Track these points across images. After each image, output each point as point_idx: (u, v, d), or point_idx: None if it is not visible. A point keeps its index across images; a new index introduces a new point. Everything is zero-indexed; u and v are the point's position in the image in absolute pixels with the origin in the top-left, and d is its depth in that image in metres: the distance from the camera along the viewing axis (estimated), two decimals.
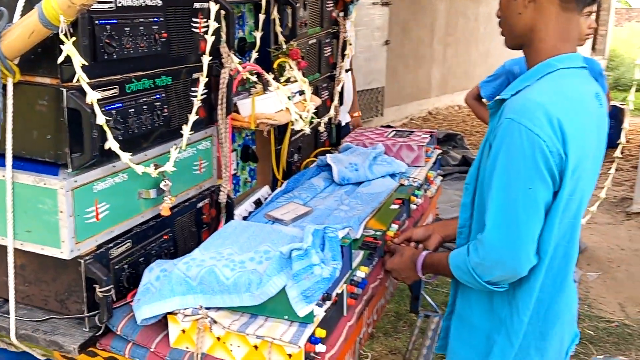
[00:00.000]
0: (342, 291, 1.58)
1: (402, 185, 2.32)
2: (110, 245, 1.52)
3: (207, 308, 1.44)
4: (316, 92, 2.66)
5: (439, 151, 2.70)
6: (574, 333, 1.79)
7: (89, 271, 1.45)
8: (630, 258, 4.49)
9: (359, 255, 1.73)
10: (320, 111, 2.72)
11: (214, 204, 1.92)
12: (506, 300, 1.56)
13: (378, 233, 1.89)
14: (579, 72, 1.52)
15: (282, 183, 2.31)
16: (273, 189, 2.32)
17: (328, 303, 1.47)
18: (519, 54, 1.69)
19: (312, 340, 1.39)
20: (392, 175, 2.36)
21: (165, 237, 1.71)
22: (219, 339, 1.42)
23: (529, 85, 1.49)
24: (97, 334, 1.50)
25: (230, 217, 1.96)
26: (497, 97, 1.56)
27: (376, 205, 2.09)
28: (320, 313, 1.42)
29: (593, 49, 14.87)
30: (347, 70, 3.87)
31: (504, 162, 1.44)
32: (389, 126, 7.69)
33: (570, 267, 1.59)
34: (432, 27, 9.43)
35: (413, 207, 2.27)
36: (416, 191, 2.31)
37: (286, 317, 1.40)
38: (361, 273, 1.68)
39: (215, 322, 1.40)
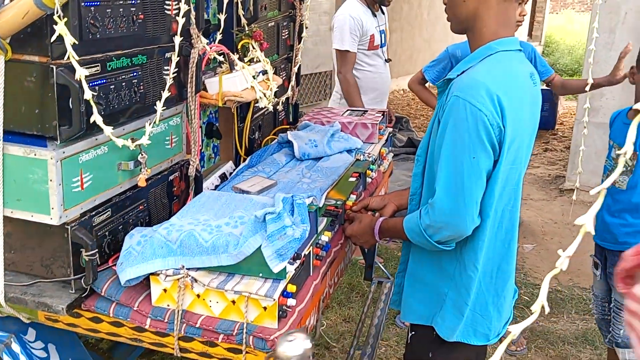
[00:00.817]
0: (310, 252, 1.74)
1: (358, 160, 2.49)
2: (93, 213, 1.63)
3: (188, 268, 1.57)
4: (275, 73, 2.79)
5: (390, 129, 2.89)
6: (514, 289, 2.01)
7: (75, 237, 1.55)
8: (562, 231, 4.83)
9: (322, 222, 1.89)
10: (278, 91, 2.86)
11: (183, 177, 2.05)
12: (454, 257, 1.76)
13: (338, 202, 2.06)
14: (515, 55, 1.72)
15: (245, 159, 2.44)
16: (236, 165, 2.45)
17: (298, 262, 1.63)
18: (462, 38, 1.88)
19: (285, 294, 1.55)
20: (349, 151, 2.53)
21: (141, 207, 1.83)
22: (198, 296, 1.56)
23: (472, 66, 1.68)
24: (83, 296, 1.61)
25: (199, 190, 2.08)
26: (445, 77, 1.75)
27: (335, 178, 2.25)
28: (291, 270, 1.58)
29: (530, 35, 15.45)
30: (386, 61, 4.01)
31: (451, 134, 1.63)
32: None
33: (515, 229, 1.80)
34: None
35: (368, 180, 2.45)
36: (371, 165, 2.48)
37: (261, 274, 1.55)
38: (325, 237, 1.85)
39: (196, 280, 1.54)
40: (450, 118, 1.64)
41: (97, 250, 1.57)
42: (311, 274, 1.77)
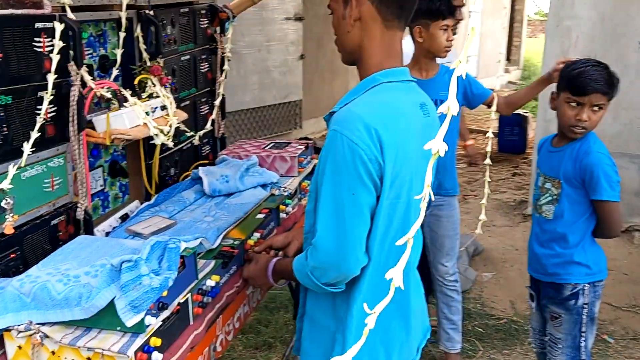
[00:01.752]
0: (187, 300, 1.63)
1: (272, 195, 2.39)
2: None
3: (42, 323, 1.45)
4: (194, 106, 2.71)
5: (315, 161, 2.79)
6: (425, 327, 1.89)
7: None
8: (523, 257, 4.69)
9: (209, 265, 1.78)
10: (199, 125, 2.77)
11: (72, 220, 1.93)
12: (344, 299, 1.65)
13: (236, 242, 1.95)
14: (402, 85, 1.63)
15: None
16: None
17: (166, 312, 1.52)
18: None
19: (146, 349, 1.43)
20: (264, 186, 2.43)
21: (12, 255, 1.71)
22: (53, 353, 1.44)
23: (355, 98, 1.60)
24: None
25: (89, 233, 1.97)
26: (331, 110, 1.66)
27: (241, 215, 2.14)
28: (154, 322, 1.46)
29: (508, 59, 15.53)
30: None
31: (330, 170, 1.53)
32: (306, 138, 7.85)
33: (407, 266, 1.69)
34: None
35: (283, 215, 2.34)
36: (287, 200, 2.38)
37: (118, 328, 1.43)
38: (211, 282, 1.73)
39: (47, 336, 1.42)
40: (329, 153, 1.54)
41: None
42: (191, 323, 1.65)
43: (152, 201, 2.26)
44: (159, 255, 1.55)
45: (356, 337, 1.64)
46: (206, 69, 2.77)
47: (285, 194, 2.40)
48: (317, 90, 9.03)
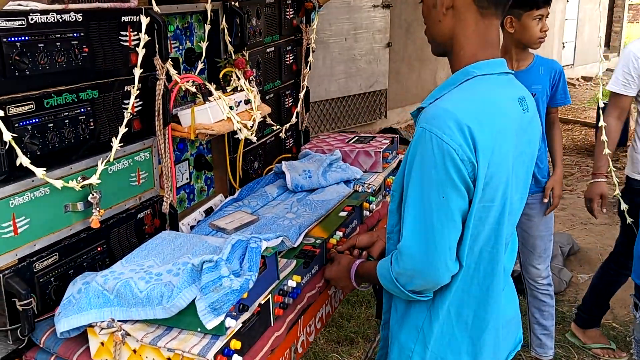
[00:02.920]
0: (268, 301, 1.58)
1: (356, 191, 2.31)
2: (34, 258, 1.53)
3: (124, 321, 1.45)
4: (278, 99, 2.67)
5: (401, 156, 2.68)
6: (517, 338, 1.76)
7: (8, 285, 1.46)
8: None
9: (291, 265, 1.73)
10: (284, 118, 2.73)
11: (158, 214, 1.94)
12: (425, 307, 1.55)
13: (318, 241, 1.89)
14: (498, 78, 1.50)
15: (238, 191, 2.31)
16: (230, 196, 2.32)
17: (246, 314, 1.47)
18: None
19: (226, 352, 1.39)
20: (347, 182, 2.35)
21: (99, 248, 1.73)
22: (135, 351, 1.43)
23: (446, 93, 1.48)
24: (21, 347, 1.52)
25: (174, 227, 1.97)
26: (419, 106, 1.55)
27: (324, 212, 2.08)
28: (234, 324, 1.42)
29: (607, 46, 14.64)
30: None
31: (418, 171, 1.43)
32: (391, 128, 7.69)
33: (498, 272, 1.57)
34: None
35: (367, 213, 2.26)
36: (370, 197, 2.29)
37: (199, 329, 1.40)
38: (292, 282, 1.68)
39: (128, 334, 1.41)
40: (416, 152, 1.44)
41: (32, 299, 1.47)
42: (271, 325, 1.60)
43: (235, 195, 2.23)
44: (240, 254, 1.51)
45: (450, 342, 1.54)
46: (291, 61, 2.72)
47: (369, 190, 2.31)
48: (404, 79, 8.85)
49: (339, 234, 2.00)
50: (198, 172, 2.28)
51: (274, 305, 1.61)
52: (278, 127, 2.58)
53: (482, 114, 1.42)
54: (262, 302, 1.55)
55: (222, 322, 1.38)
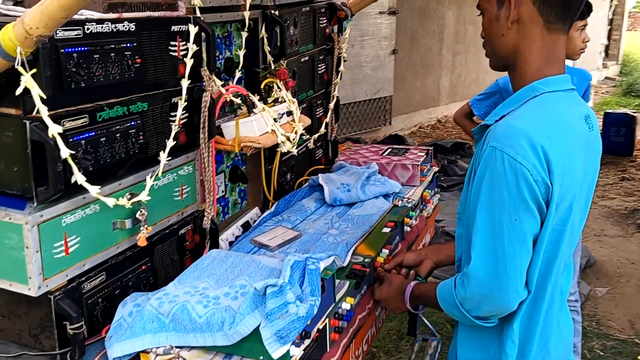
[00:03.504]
0: (325, 325, 1.51)
1: (395, 206, 2.25)
2: (83, 279, 1.46)
3: (180, 347, 1.38)
4: (310, 108, 2.60)
5: (435, 169, 2.63)
6: None
7: (59, 307, 1.39)
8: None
9: (344, 286, 1.66)
10: (314, 128, 2.66)
11: (198, 229, 1.87)
12: (496, 334, 1.49)
13: (367, 260, 1.82)
14: (565, 95, 1.45)
15: (273, 204, 2.25)
16: (264, 209, 2.26)
17: (307, 341, 1.41)
18: None
19: None
20: (386, 196, 2.29)
21: (144, 267, 1.66)
22: None
23: (513, 110, 1.43)
24: None
25: (214, 242, 1.90)
26: (482, 123, 1.50)
27: (367, 228, 2.02)
28: (297, 353, 1.36)
29: (606, 54, 14.69)
30: None
31: (488, 192, 1.37)
32: (396, 135, 7.63)
33: (555, 295, 1.51)
34: (441, 35, 9.34)
35: (407, 229, 2.20)
36: (410, 212, 2.23)
37: (262, 357, 1.34)
38: (346, 305, 1.62)
39: None
40: (486, 173, 1.38)
41: (82, 322, 1.40)
42: (328, 350, 1.54)
43: (272, 209, 2.17)
44: (299, 276, 1.45)
45: None
46: (322, 70, 2.66)
47: (409, 205, 2.25)
48: (409, 86, 8.82)
49: (385, 251, 1.94)
50: (233, 184, 2.21)
51: (329, 329, 1.54)
52: (308, 137, 2.52)
53: (554, 133, 1.37)
54: (320, 327, 1.49)
55: (288, 351, 1.32)
